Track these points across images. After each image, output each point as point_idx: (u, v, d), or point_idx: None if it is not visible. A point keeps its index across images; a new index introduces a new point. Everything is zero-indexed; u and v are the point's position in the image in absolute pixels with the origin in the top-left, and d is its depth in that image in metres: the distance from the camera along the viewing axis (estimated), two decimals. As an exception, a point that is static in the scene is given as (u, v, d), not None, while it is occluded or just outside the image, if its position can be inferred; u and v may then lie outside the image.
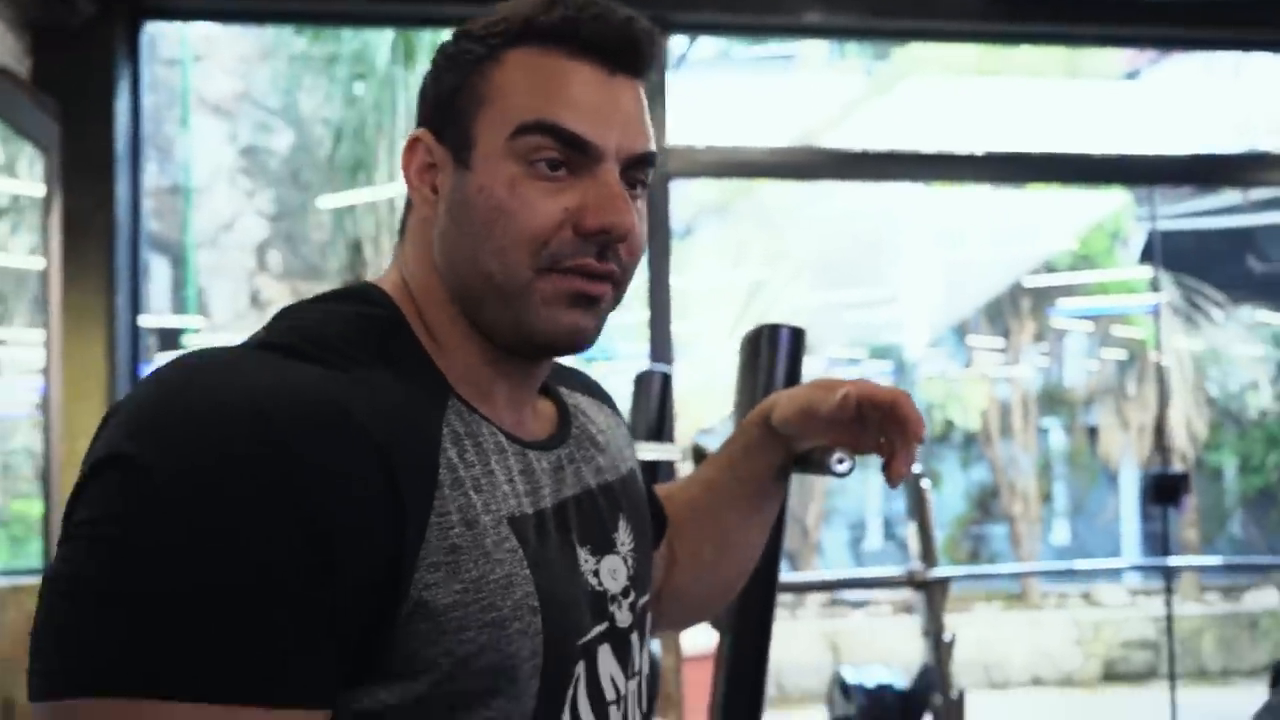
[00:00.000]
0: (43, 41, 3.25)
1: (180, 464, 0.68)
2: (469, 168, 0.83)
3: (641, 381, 2.42)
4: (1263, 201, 8.99)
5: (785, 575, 7.75)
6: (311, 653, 0.69)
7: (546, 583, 0.79)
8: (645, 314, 3.67)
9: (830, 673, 3.41)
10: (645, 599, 0.95)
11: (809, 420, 1.02)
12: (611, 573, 0.89)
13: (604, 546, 0.90)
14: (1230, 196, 8.93)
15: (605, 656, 0.86)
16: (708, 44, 7.60)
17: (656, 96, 3.68)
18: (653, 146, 0.87)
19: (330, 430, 0.71)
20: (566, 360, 0.98)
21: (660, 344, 3.64)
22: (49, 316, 3.32)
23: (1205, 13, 3.83)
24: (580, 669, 0.83)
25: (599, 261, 0.83)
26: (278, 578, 0.67)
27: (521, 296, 0.83)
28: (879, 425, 0.99)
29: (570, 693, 0.82)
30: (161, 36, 4.62)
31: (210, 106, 6.42)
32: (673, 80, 3.75)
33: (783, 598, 8.64)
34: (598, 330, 0.86)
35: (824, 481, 9.22)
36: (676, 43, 4.98)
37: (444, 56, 0.87)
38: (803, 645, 7.71)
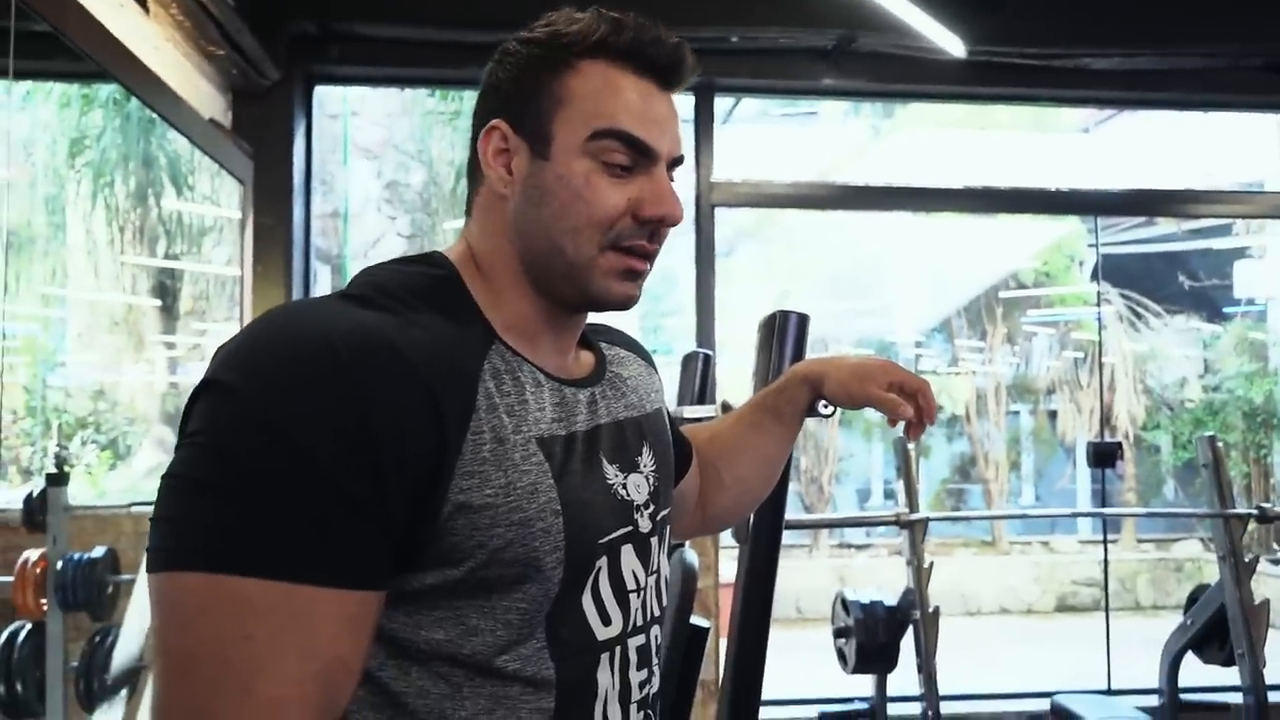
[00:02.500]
0: (241, 99, 3.36)
1: (261, 385, 0.67)
2: (547, 158, 0.80)
3: (688, 360, 2.46)
4: (1192, 231, 8.83)
5: (800, 514, 7.69)
6: (363, 542, 0.67)
7: (570, 491, 0.77)
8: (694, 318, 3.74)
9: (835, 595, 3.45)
10: (665, 512, 0.91)
11: (860, 399, 1.06)
12: (636, 487, 0.86)
13: (629, 466, 0.86)
14: (1167, 226, 8.78)
15: (628, 554, 0.83)
16: (750, 104, 7.59)
17: (705, 144, 3.74)
18: (684, 150, 0.86)
19: (384, 362, 0.69)
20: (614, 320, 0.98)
21: (704, 335, 3.69)
22: (241, 311, 3.43)
23: (1139, 80, 3.81)
24: (603, 562, 0.80)
25: (650, 243, 0.83)
26: (337, 479, 0.65)
27: (587, 268, 0.81)
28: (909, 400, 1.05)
29: (592, 579, 0.79)
30: (328, 97, 4.73)
31: (363, 150, 6.52)
32: (720, 131, 3.78)
33: (800, 540, 8.58)
34: (640, 293, 0.85)
35: (837, 448, 9.20)
36: (723, 102, 5.01)
37: (513, 57, 0.82)
38: (817, 578, 7.70)
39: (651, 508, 0.88)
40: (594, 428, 0.84)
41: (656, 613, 0.89)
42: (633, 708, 0.84)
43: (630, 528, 0.84)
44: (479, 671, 0.73)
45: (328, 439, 0.66)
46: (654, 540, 0.88)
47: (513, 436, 0.75)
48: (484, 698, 0.74)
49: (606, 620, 0.81)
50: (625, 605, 0.83)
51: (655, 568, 0.88)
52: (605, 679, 0.80)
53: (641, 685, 0.85)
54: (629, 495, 0.85)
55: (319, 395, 0.66)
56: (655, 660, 0.88)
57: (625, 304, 0.84)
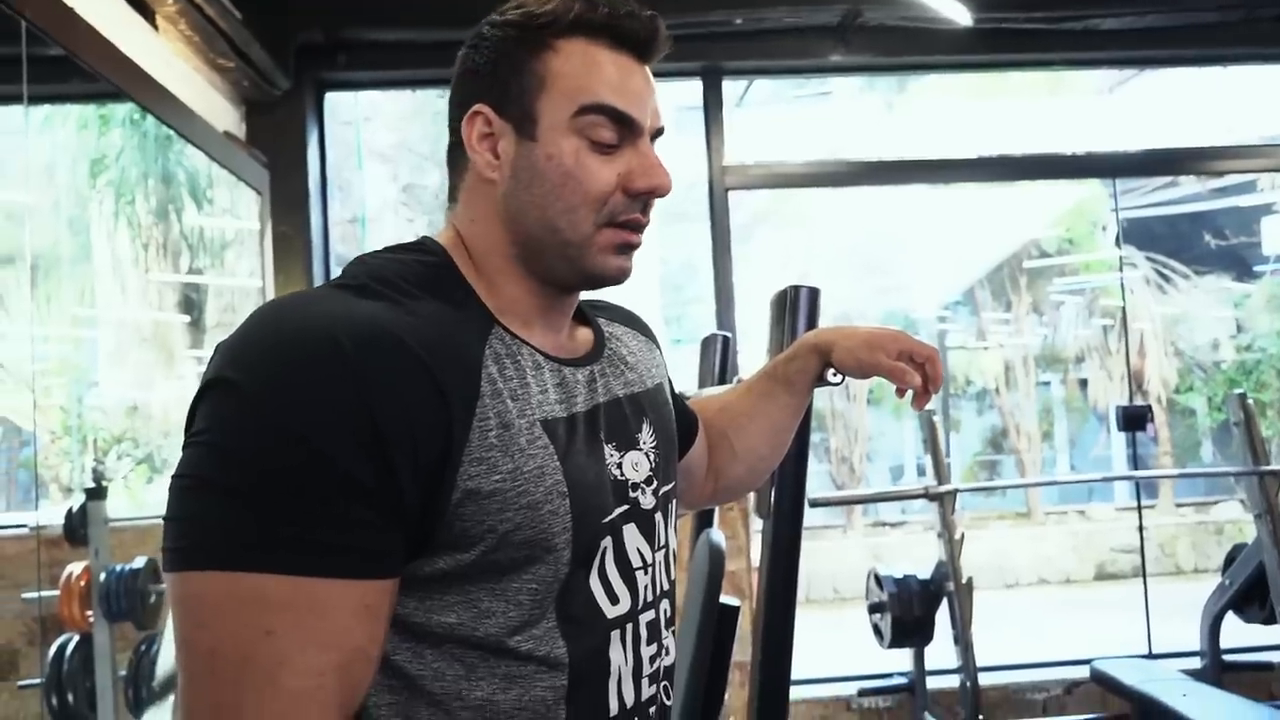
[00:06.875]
0: (253, 110, 3.39)
1: (265, 380, 0.66)
2: (534, 139, 0.80)
3: (707, 343, 2.47)
4: (1216, 189, 8.72)
5: (830, 492, 7.69)
6: (376, 534, 0.67)
7: (574, 473, 0.77)
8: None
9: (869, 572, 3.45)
10: (668, 487, 0.91)
11: (869, 368, 1.06)
12: (634, 465, 0.86)
13: (628, 444, 0.86)
14: (1191, 186, 8.67)
15: (631, 532, 0.83)
16: (763, 87, 7.56)
17: (715, 129, 3.73)
18: (664, 121, 0.85)
19: (389, 354, 0.68)
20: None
21: (724, 320, 3.70)
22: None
23: (1152, 38, 3.76)
24: (607, 542, 0.81)
25: (643, 215, 0.83)
26: (347, 473, 0.65)
27: (583, 246, 0.81)
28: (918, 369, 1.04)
29: (598, 560, 0.80)
30: (339, 103, 4.77)
31: (377, 154, 6.57)
32: (736, 115, 3.77)
33: (834, 520, 8.54)
34: (632, 267, 0.85)
35: (866, 427, 9.18)
36: (735, 87, 4.98)
37: (489, 41, 0.82)
38: (853, 557, 7.69)
39: (654, 484, 0.88)
40: (593, 407, 0.84)
41: (665, 587, 0.89)
42: (644, 681, 0.85)
43: (628, 506, 0.84)
44: (493, 652, 0.74)
45: (336, 434, 0.65)
46: (658, 516, 0.88)
47: (518, 421, 0.75)
48: (499, 678, 0.74)
49: (614, 599, 0.81)
50: (633, 583, 0.83)
51: (662, 543, 0.88)
52: (617, 656, 0.81)
53: (652, 659, 0.86)
54: (624, 474, 0.85)
55: (325, 390, 0.66)
56: (665, 633, 0.89)
57: (620, 278, 0.84)
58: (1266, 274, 9.16)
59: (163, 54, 2.78)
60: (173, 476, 0.68)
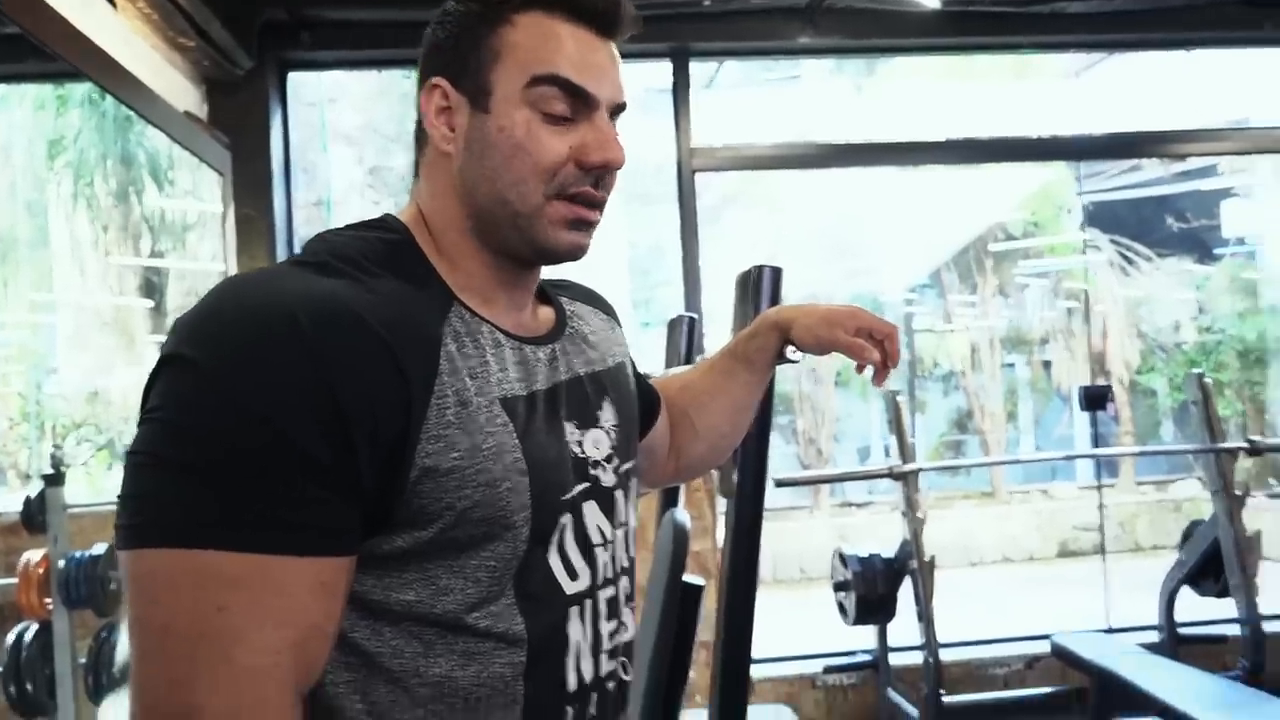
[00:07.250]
0: (215, 90, 3.34)
1: (223, 358, 0.66)
2: (487, 111, 0.80)
3: (674, 324, 2.47)
4: (1179, 173, 8.83)
5: (795, 472, 7.68)
6: (333, 511, 0.67)
7: (533, 450, 0.77)
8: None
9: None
10: (629, 465, 0.92)
11: (828, 344, 1.06)
12: (595, 443, 0.86)
13: (588, 422, 0.87)
14: (1154, 170, 8.77)
15: (591, 510, 0.84)
16: (733, 70, 7.53)
17: (683, 110, 3.73)
18: (627, 98, 0.85)
19: (348, 331, 0.68)
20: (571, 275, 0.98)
21: (692, 302, 3.70)
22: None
23: (1119, 21, 3.79)
24: (567, 519, 0.81)
25: (595, 189, 0.82)
26: (305, 451, 0.65)
27: (533, 218, 0.81)
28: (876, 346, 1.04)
29: (556, 537, 0.80)
30: (303, 84, 4.69)
31: (342, 136, 6.49)
32: (705, 98, 3.76)
33: (800, 501, 8.58)
34: (589, 243, 0.85)
35: (834, 408, 9.24)
36: (706, 68, 4.95)
37: (452, 17, 0.82)
38: (819, 537, 7.75)
39: (615, 462, 0.89)
40: (553, 385, 0.84)
41: (625, 564, 0.90)
42: (603, 657, 0.85)
43: (588, 484, 0.84)
44: (450, 629, 0.74)
45: (294, 413, 0.65)
46: (618, 494, 0.88)
47: (476, 399, 0.75)
48: (457, 654, 0.74)
49: (574, 575, 0.81)
50: (592, 559, 0.83)
51: (623, 520, 0.89)
52: (576, 632, 0.82)
53: (612, 635, 0.86)
54: (584, 452, 0.85)
55: (283, 367, 0.66)
56: (625, 610, 0.89)
57: (574, 254, 0.84)
58: (1226, 256, 9.30)
59: (121, 32, 2.73)
60: (127, 453, 0.67)
